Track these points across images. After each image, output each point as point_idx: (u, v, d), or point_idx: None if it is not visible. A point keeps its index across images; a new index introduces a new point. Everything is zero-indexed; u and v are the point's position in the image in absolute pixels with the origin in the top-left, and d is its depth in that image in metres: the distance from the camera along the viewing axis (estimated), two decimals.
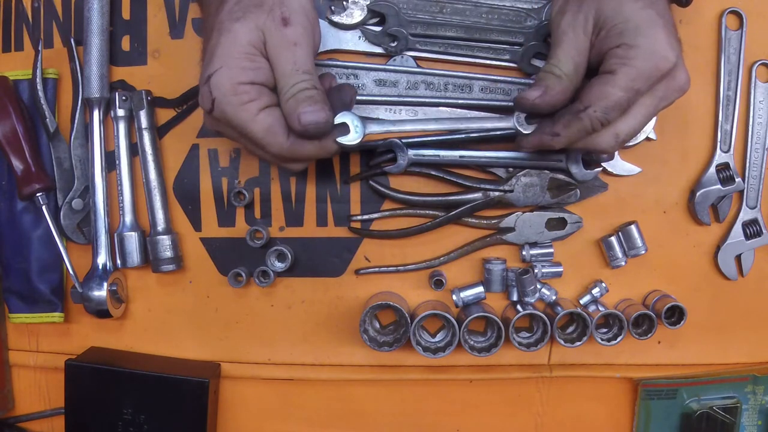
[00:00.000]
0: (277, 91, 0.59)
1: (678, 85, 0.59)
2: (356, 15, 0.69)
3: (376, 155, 0.71)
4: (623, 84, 0.57)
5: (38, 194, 0.72)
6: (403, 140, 0.69)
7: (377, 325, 0.73)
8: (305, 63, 0.58)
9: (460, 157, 0.70)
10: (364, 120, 0.62)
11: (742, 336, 0.75)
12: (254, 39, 0.57)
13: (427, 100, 0.70)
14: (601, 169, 0.71)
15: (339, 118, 0.61)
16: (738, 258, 0.73)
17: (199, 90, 0.59)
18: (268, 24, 0.57)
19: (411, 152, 0.69)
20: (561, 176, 0.70)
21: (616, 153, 0.71)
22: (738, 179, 0.72)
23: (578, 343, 0.70)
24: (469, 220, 0.72)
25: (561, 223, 0.72)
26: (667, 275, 0.74)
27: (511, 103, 0.69)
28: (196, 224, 0.74)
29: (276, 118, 0.58)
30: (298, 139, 0.59)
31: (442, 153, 0.70)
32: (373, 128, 0.63)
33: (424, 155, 0.69)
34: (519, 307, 0.71)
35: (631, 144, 0.70)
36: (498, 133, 0.68)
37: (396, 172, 0.70)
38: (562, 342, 0.71)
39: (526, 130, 0.64)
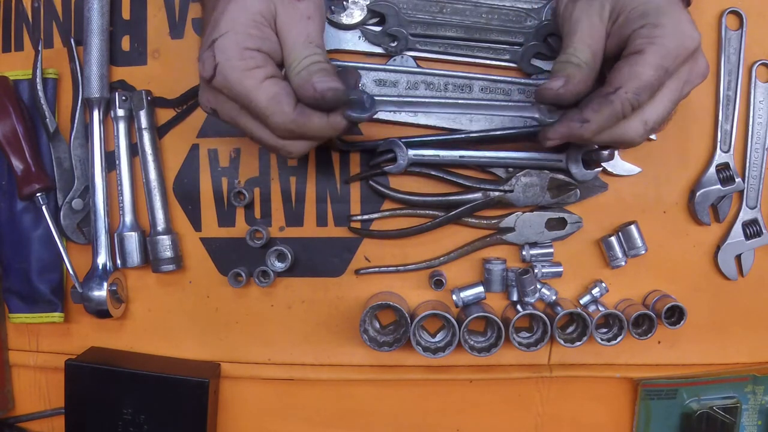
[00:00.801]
0: (285, 65, 0.56)
1: (700, 69, 0.58)
2: (356, 15, 0.69)
3: (376, 155, 0.71)
4: (653, 62, 0.55)
5: (38, 194, 0.72)
6: (403, 140, 0.69)
7: (377, 325, 0.73)
8: (317, 37, 0.57)
9: (460, 157, 0.70)
10: (374, 98, 0.59)
11: (742, 336, 0.75)
12: (264, 10, 0.55)
13: (427, 100, 0.70)
14: (601, 169, 0.71)
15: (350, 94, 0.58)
16: (738, 258, 0.73)
17: (199, 60, 0.56)
18: None
19: (411, 152, 0.69)
20: (561, 176, 0.70)
21: (616, 153, 0.71)
22: (738, 179, 0.72)
23: (578, 343, 0.70)
24: (469, 220, 0.72)
25: (561, 223, 0.72)
26: (667, 275, 0.74)
27: (511, 103, 0.69)
28: (196, 224, 0.74)
29: (282, 87, 0.56)
30: (305, 110, 0.56)
31: (442, 153, 0.70)
32: (384, 106, 0.61)
33: (424, 155, 0.69)
34: (519, 307, 0.71)
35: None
36: (508, 132, 0.68)
37: (396, 172, 0.70)
38: (562, 342, 0.71)
39: (550, 118, 0.61)
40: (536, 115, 0.61)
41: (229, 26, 0.55)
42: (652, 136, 0.71)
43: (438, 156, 0.69)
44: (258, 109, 0.55)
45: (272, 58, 0.57)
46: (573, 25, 0.60)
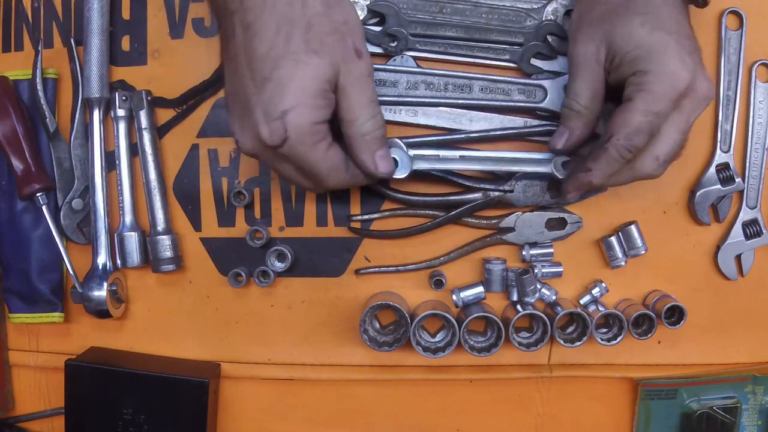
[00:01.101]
0: (345, 120, 0.58)
1: (702, 95, 0.59)
2: None
3: None
4: (641, 108, 0.57)
5: (38, 194, 0.72)
6: (403, 140, 0.69)
7: (377, 325, 0.73)
8: (375, 94, 0.59)
9: (460, 157, 0.70)
10: (410, 156, 0.65)
11: (742, 336, 0.75)
12: (331, 75, 0.56)
13: (427, 100, 0.70)
14: None
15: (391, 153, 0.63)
16: (738, 258, 0.73)
17: (261, 126, 0.55)
18: (346, 57, 0.56)
19: (411, 152, 0.69)
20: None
21: None
22: (738, 179, 0.72)
23: (578, 343, 0.70)
24: (469, 220, 0.72)
25: (561, 223, 0.72)
26: (667, 275, 0.74)
27: (511, 104, 0.70)
28: (196, 224, 0.74)
29: (341, 156, 0.59)
30: (356, 172, 0.61)
31: (442, 153, 0.69)
32: (420, 165, 0.66)
33: (424, 155, 0.69)
34: (519, 307, 0.71)
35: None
36: (508, 132, 0.70)
37: (401, 176, 0.70)
38: (562, 342, 0.71)
39: (561, 174, 0.66)
40: (549, 171, 0.67)
41: (300, 98, 0.54)
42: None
43: (438, 156, 0.69)
44: (317, 175, 0.59)
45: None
46: (575, 67, 0.63)
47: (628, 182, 0.64)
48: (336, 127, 0.59)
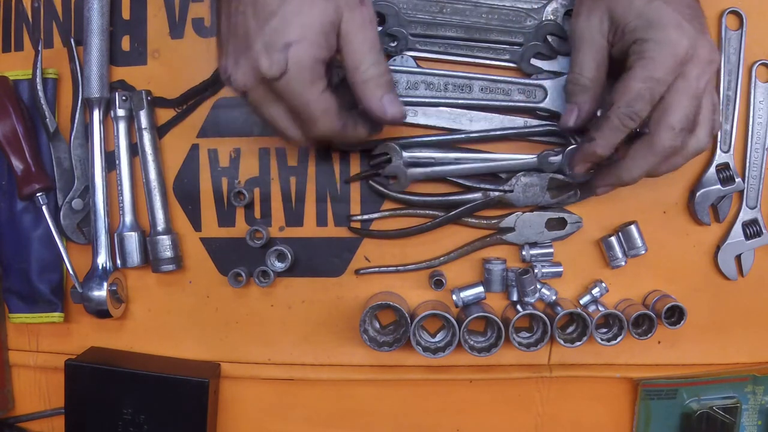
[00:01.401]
0: (348, 67, 0.58)
1: (705, 59, 0.59)
2: None
3: (372, 157, 0.70)
4: (640, 75, 0.58)
5: (38, 194, 0.72)
6: (403, 140, 0.69)
7: (377, 325, 0.73)
8: (378, 42, 0.58)
9: (456, 159, 0.70)
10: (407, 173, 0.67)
11: (742, 336, 0.75)
12: (334, 18, 0.56)
13: (427, 100, 0.70)
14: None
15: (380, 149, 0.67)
16: (738, 258, 0.73)
17: (259, 54, 0.54)
18: (350, 3, 0.56)
19: (406, 154, 0.69)
20: (561, 176, 0.70)
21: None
22: (738, 179, 0.72)
23: (578, 343, 0.70)
24: (469, 220, 0.72)
25: (561, 223, 0.72)
26: (667, 275, 0.74)
27: (510, 104, 0.70)
28: (196, 224, 0.74)
29: (334, 101, 0.58)
30: (347, 124, 0.60)
31: (439, 155, 0.70)
32: (417, 171, 0.68)
33: (420, 157, 0.69)
34: (519, 307, 0.71)
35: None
36: (508, 132, 0.70)
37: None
38: (562, 342, 0.71)
39: (547, 165, 0.69)
40: (534, 160, 0.69)
41: (303, 33, 0.55)
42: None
43: (433, 159, 0.69)
44: (309, 117, 0.58)
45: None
46: (578, 42, 0.64)
47: (658, 164, 0.62)
48: (334, 81, 0.59)
